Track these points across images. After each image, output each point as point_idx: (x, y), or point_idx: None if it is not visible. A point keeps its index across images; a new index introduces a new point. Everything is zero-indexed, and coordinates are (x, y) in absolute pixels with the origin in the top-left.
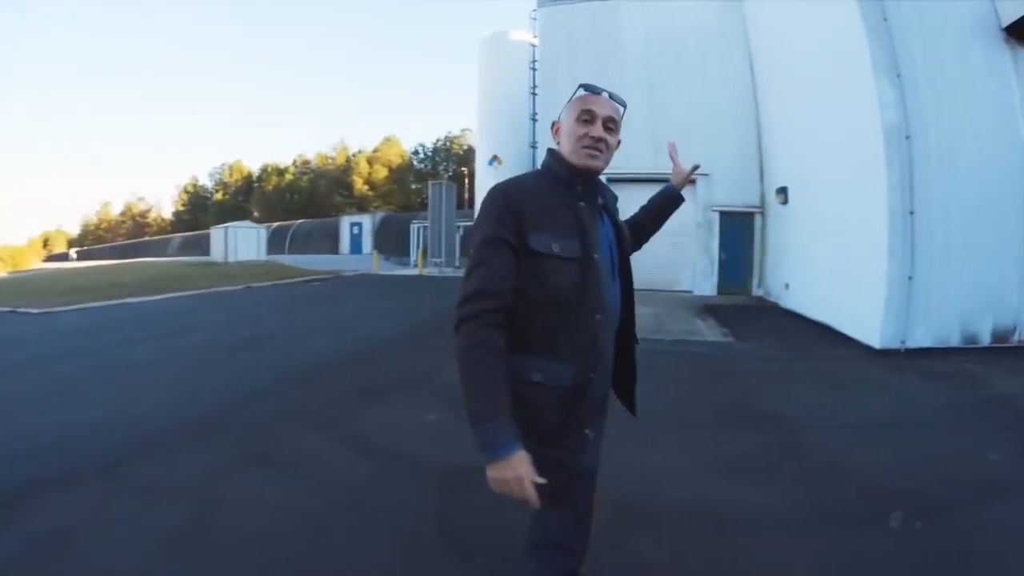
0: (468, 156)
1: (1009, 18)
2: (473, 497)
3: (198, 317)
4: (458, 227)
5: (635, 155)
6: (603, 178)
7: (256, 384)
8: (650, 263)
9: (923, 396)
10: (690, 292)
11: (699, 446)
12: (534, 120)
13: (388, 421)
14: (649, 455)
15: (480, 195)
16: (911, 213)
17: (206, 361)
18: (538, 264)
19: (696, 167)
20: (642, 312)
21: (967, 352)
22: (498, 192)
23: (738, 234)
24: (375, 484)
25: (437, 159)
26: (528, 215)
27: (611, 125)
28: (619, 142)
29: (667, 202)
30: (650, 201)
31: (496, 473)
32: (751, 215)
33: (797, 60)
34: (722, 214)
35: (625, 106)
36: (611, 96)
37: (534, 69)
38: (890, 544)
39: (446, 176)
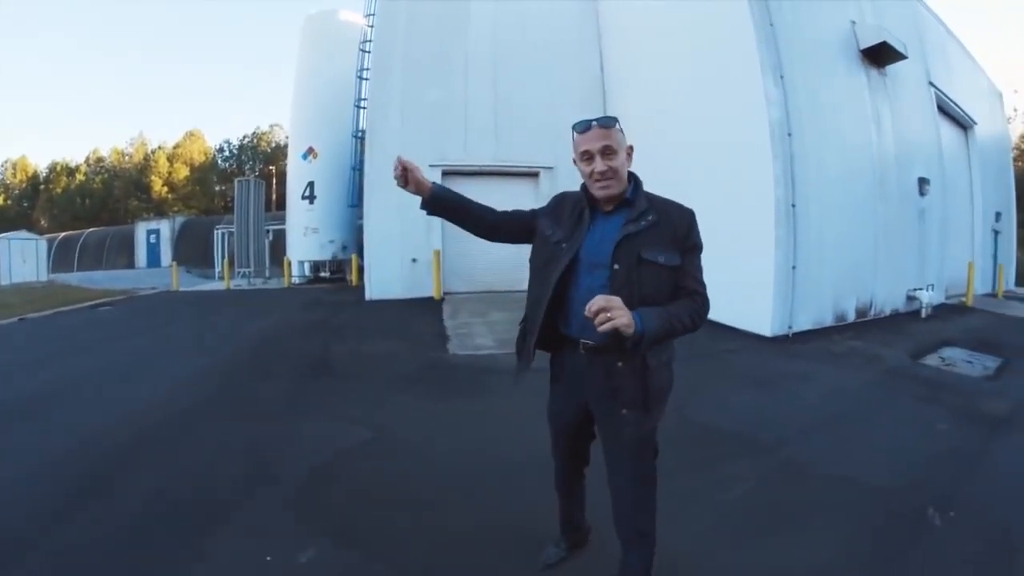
0: (277, 154)
1: (865, 43)
2: None
3: None
4: (267, 231)
5: (475, 147)
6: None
7: None
8: (492, 263)
9: (840, 382)
10: None
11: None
12: (359, 107)
13: None
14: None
15: (292, 193)
16: (793, 206)
17: None
18: (536, 241)
19: None
20: (496, 318)
21: (842, 330)
22: (557, 194)
23: None
24: None
25: (244, 157)
26: (552, 207)
27: (608, 151)
28: (631, 149)
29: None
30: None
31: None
32: None
33: (669, 58)
34: None
35: (614, 122)
36: (599, 123)
37: (365, 51)
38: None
39: (253, 176)
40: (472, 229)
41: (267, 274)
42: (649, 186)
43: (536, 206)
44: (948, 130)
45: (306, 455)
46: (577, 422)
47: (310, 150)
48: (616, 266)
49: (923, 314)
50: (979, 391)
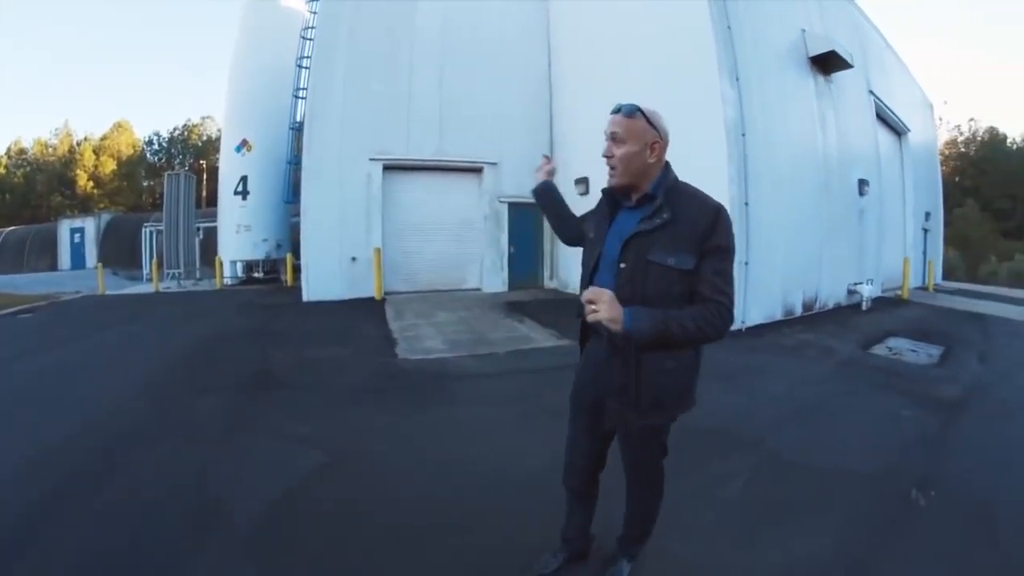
0: (209, 148)
1: (814, 51)
2: None
3: None
4: (198, 229)
5: (418, 142)
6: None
7: None
8: (433, 261)
9: (801, 373)
10: (479, 290)
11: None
12: (298, 97)
13: None
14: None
15: (224, 189)
16: (746, 204)
17: None
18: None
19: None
20: (443, 319)
21: (791, 323)
22: (603, 188)
23: (528, 226)
24: None
25: (173, 151)
26: (596, 207)
27: (615, 138)
28: (655, 144)
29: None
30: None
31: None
32: None
33: (624, 57)
34: (511, 205)
35: (634, 111)
36: (622, 110)
37: (307, 38)
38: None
39: (184, 170)
40: (562, 227)
41: (198, 275)
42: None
43: (478, 200)
44: (885, 136)
45: (259, 485)
46: (595, 405)
47: (244, 142)
48: (623, 264)
49: (864, 307)
50: (929, 377)
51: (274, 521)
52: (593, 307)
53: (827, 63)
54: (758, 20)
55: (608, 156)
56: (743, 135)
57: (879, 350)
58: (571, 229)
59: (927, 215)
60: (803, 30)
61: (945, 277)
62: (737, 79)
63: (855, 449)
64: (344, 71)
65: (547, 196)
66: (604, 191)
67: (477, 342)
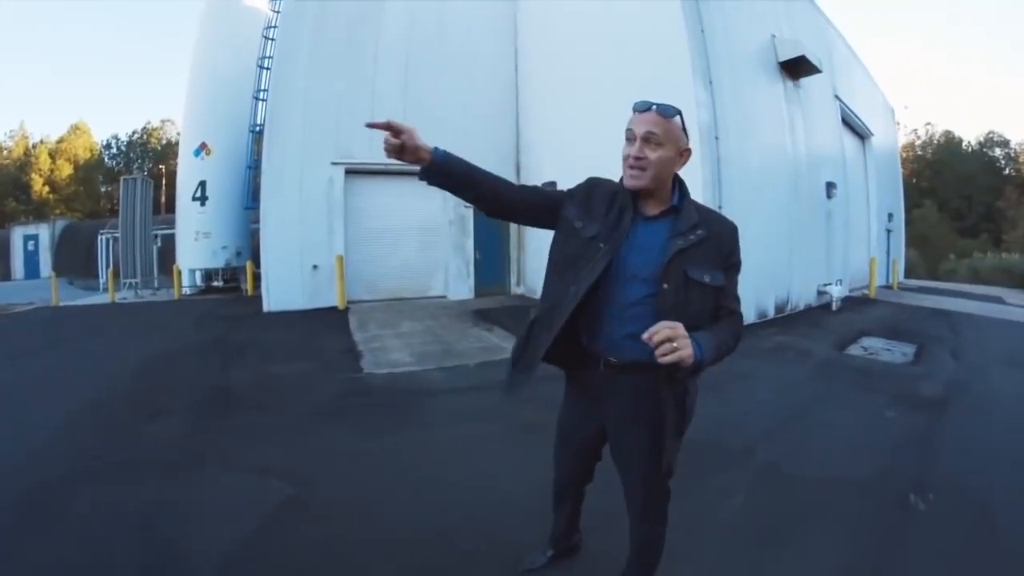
0: (168, 152)
1: (784, 56)
2: None
3: None
4: (155, 236)
5: (381, 144)
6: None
7: None
8: (398, 268)
9: (782, 377)
10: (444, 297)
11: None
12: (259, 99)
13: None
14: None
15: (183, 194)
16: (720, 207)
17: None
18: (560, 231)
19: None
20: (408, 329)
21: (765, 326)
22: (588, 178)
23: (493, 231)
24: None
25: (132, 155)
26: (582, 193)
27: (652, 138)
28: (685, 152)
29: None
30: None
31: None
32: None
33: (595, 60)
34: (476, 210)
35: (675, 113)
36: (658, 109)
37: (269, 38)
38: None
39: (141, 174)
40: (480, 201)
41: (156, 284)
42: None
43: (443, 205)
44: (850, 140)
45: (217, 526)
46: (590, 439)
47: (203, 146)
48: (666, 285)
49: (834, 307)
50: (907, 376)
51: (235, 569)
52: (674, 344)
53: (796, 68)
54: (730, 24)
55: (639, 158)
56: (716, 138)
57: (855, 350)
58: (521, 201)
59: (890, 216)
60: (773, 35)
61: (907, 275)
62: (710, 82)
63: (847, 454)
64: (306, 71)
65: (450, 167)
66: (619, 190)
67: (445, 353)
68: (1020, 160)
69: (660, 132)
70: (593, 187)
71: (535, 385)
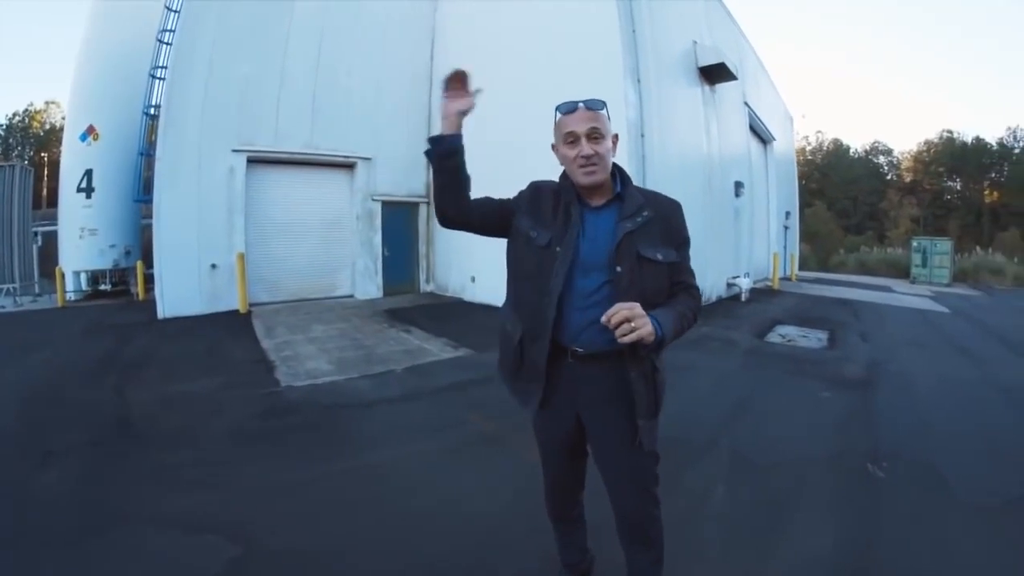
0: (52, 138)
1: (704, 62)
2: None
3: None
4: (35, 234)
5: (287, 133)
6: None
7: None
8: (302, 267)
9: (716, 367)
10: (352, 296)
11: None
12: (155, 77)
13: None
14: None
15: (66, 185)
16: None
17: None
18: (515, 242)
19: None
20: (320, 333)
21: None
22: (529, 184)
23: (402, 226)
24: None
25: (11, 140)
26: (528, 202)
27: (595, 134)
28: (616, 137)
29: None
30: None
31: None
32: (416, 205)
33: (522, 56)
34: (385, 204)
35: (603, 105)
36: (587, 105)
37: (172, 10)
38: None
39: (21, 162)
40: (455, 203)
41: (36, 290)
42: (506, 186)
43: (350, 199)
44: (755, 143)
45: None
46: (570, 434)
47: (90, 129)
48: (619, 268)
49: (743, 298)
50: (828, 360)
51: None
52: (632, 324)
53: (713, 74)
54: (658, 27)
55: (591, 155)
56: (642, 136)
57: (773, 338)
58: (476, 209)
59: (787, 214)
60: (695, 41)
61: (801, 268)
62: (638, 81)
63: (801, 436)
64: (211, 48)
65: (453, 159)
66: (560, 188)
67: (367, 359)
68: (901, 167)
69: (600, 126)
70: (537, 191)
71: (470, 388)
